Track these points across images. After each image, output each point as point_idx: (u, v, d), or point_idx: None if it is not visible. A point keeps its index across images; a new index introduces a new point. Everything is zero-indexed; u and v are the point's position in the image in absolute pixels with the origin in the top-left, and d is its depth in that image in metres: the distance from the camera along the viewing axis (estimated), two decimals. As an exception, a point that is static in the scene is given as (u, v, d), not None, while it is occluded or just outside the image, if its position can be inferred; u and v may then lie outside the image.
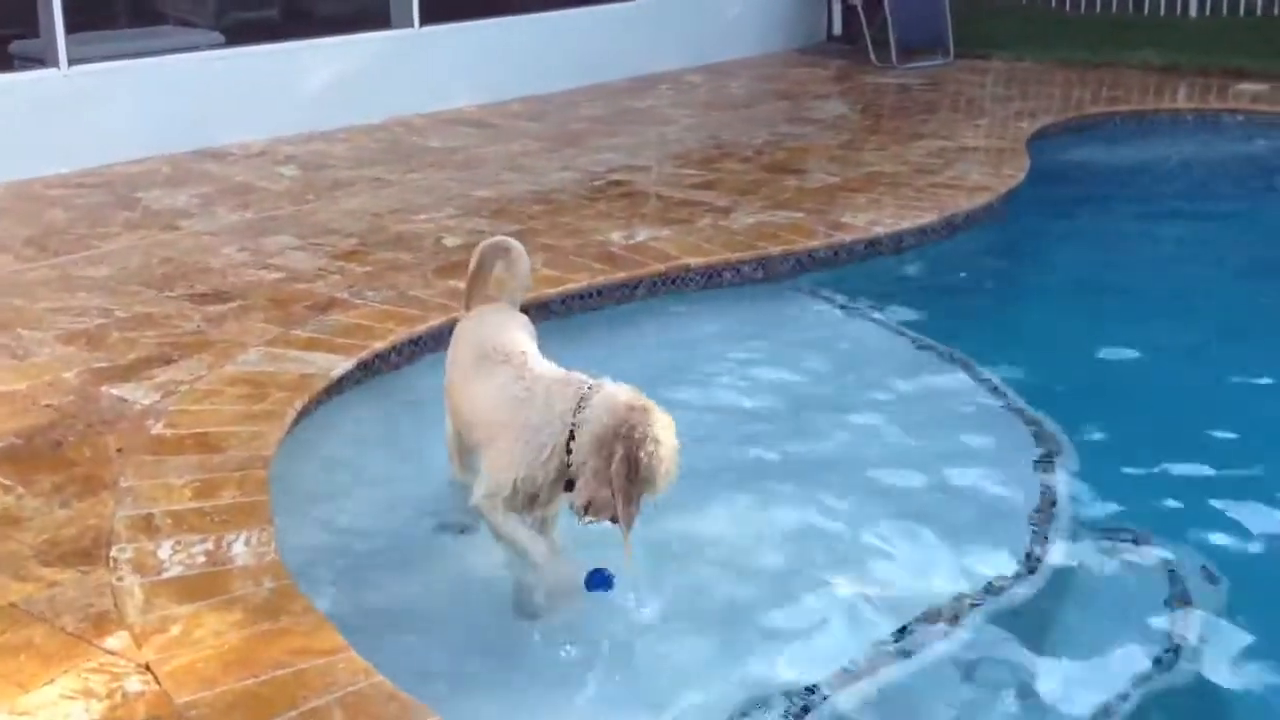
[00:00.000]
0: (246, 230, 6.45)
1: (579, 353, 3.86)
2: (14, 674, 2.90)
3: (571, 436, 3.27)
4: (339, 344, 4.83)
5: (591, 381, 3.37)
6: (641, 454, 3.17)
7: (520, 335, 3.71)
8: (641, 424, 3.20)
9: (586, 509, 3.28)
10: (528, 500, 3.42)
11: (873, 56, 11.52)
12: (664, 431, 3.23)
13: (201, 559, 3.36)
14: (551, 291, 5.49)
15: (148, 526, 3.53)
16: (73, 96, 7.69)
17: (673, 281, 5.85)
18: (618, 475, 3.17)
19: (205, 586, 3.24)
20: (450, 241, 6.22)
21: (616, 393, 3.29)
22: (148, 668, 2.92)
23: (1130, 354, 5.47)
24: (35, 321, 5.10)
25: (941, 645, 3.40)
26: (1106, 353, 5.50)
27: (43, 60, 7.70)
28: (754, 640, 3.43)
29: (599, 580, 3.39)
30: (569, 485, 3.34)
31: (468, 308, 3.99)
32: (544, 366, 3.53)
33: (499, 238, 4.02)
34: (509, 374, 3.49)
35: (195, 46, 8.50)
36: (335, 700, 2.80)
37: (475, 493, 3.50)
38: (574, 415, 3.27)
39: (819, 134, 8.85)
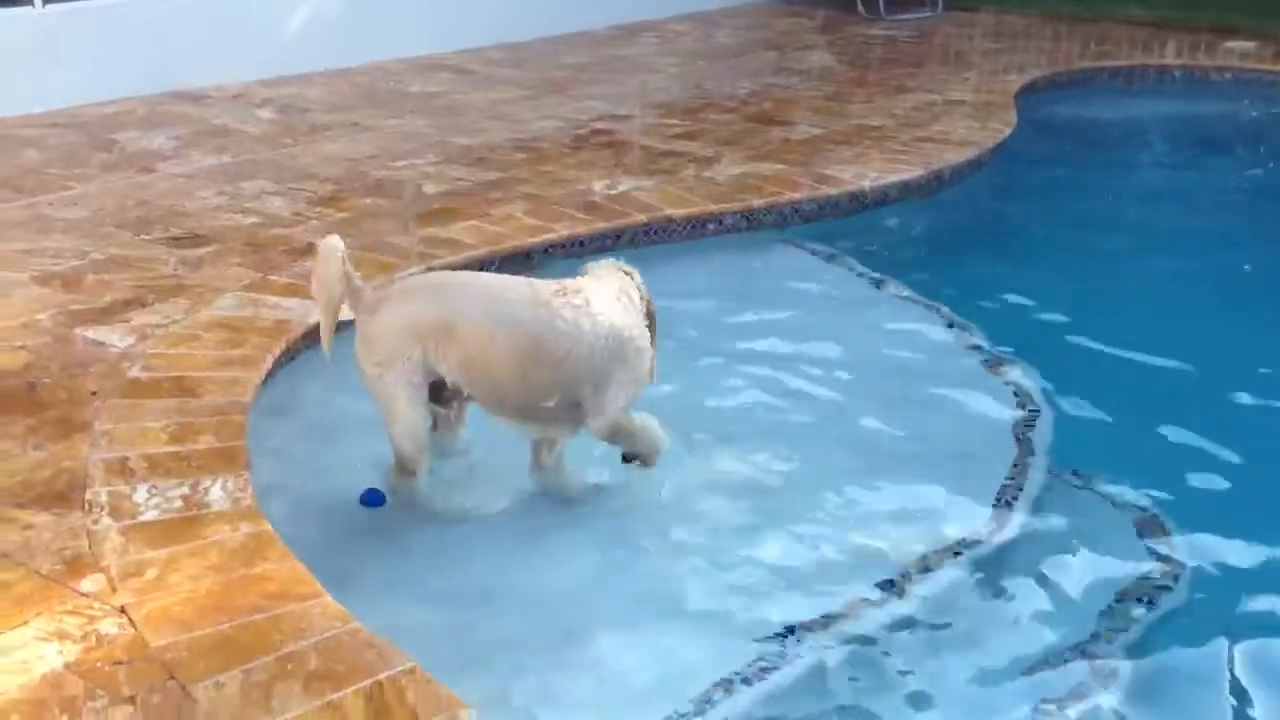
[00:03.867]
0: (223, 174, 6.36)
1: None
2: (-13, 616, 2.87)
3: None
4: (317, 289, 4.77)
5: (596, 276, 3.72)
6: None
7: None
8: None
9: None
10: None
11: (860, 7, 11.44)
12: None
13: (178, 503, 3.33)
14: (533, 241, 5.44)
15: (123, 470, 3.49)
16: (48, 35, 7.56)
17: (655, 232, 5.80)
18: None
19: (181, 531, 3.21)
20: (431, 189, 6.16)
21: (617, 269, 3.77)
22: (123, 611, 2.90)
23: (1112, 309, 5.47)
24: (9, 262, 5.03)
25: (919, 593, 3.42)
26: (1088, 308, 5.49)
27: (17, -2, 7.57)
28: (731, 586, 3.44)
29: (373, 498, 3.67)
30: None
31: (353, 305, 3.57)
32: (552, 287, 3.64)
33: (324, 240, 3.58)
34: (570, 308, 3.55)
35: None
36: (311, 646, 2.78)
37: (607, 418, 3.62)
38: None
39: (805, 85, 8.78)
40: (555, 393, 3.58)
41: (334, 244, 3.52)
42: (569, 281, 3.66)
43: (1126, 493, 3.92)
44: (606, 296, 3.62)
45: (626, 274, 3.73)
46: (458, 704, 2.63)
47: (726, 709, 2.96)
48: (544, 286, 3.62)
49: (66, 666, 2.71)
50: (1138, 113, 9.12)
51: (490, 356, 3.52)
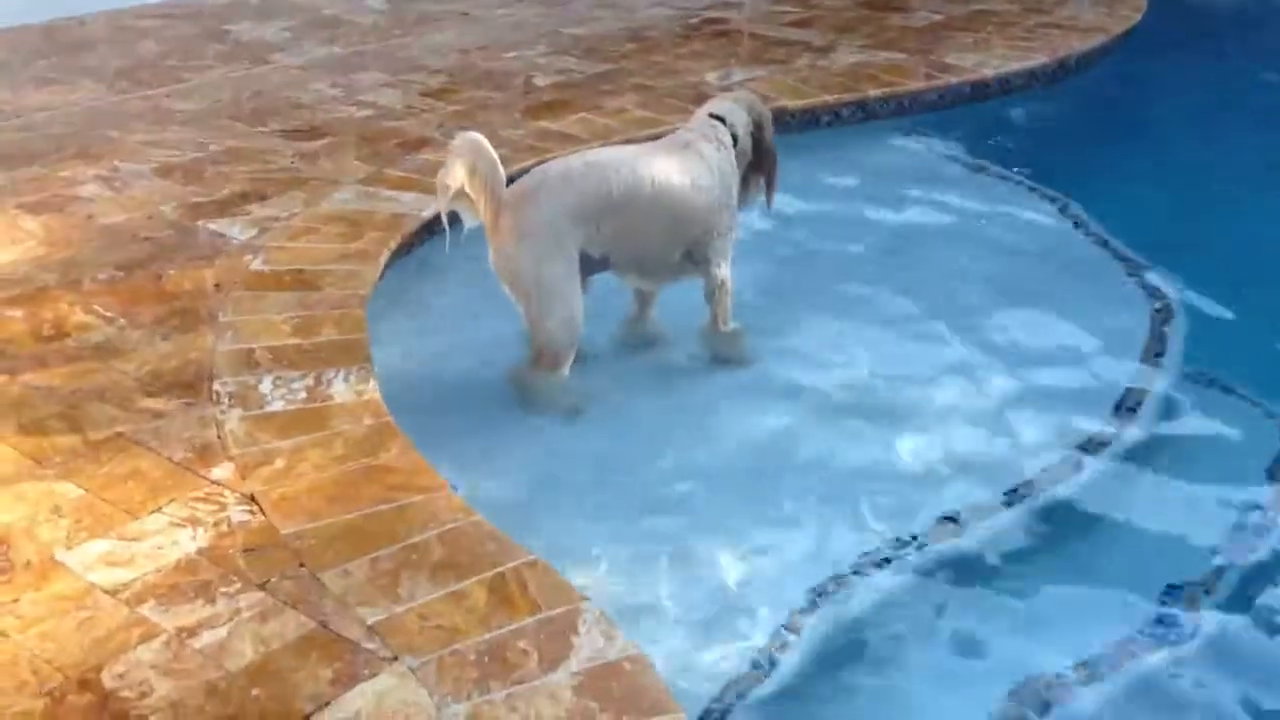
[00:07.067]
0: (336, 65, 6.36)
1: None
2: (123, 501, 2.96)
3: None
4: (430, 184, 4.74)
5: (687, 127, 3.89)
6: None
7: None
8: None
9: None
10: None
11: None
12: None
13: (302, 395, 3.39)
14: (644, 134, 5.35)
15: (248, 361, 3.55)
16: (160, -75, 7.58)
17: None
18: None
19: (306, 422, 3.26)
20: (541, 80, 6.09)
21: (710, 121, 3.90)
22: (252, 499, 2.96)
23: (1244, 204, 5.24)
24: (132, 154, 5.11)
25: (1039, 499, 3.34)
26: (1220, 202, 5.27)
27: (130, -113, 7.58)
28: (845, 483, 3.40)
29: None
30: None
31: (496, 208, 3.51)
32: (676, 143, 3.83)
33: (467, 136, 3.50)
34: (698, 159, 3.73)
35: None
36: (435, 536, 2.82)
37: (726, 263, 3.83)
38: None
39: (923, -31, 8.45)
40: (684, 244, 3.76)
41: (480, 138, 3.47)
42: (678, 136, 3.83)
43: (1262, 399, 3.77)
44: (709, 147, 3.78)
45: (719, 119, 3.84)
46: (578, 596, 2.65)
47: (839, 603, 2.94)
48: (670, 146, 3.78)
49: (199, 552, 2.79)
50: (1278, -2, 8.63)
51: (653, 221, 3.65)
